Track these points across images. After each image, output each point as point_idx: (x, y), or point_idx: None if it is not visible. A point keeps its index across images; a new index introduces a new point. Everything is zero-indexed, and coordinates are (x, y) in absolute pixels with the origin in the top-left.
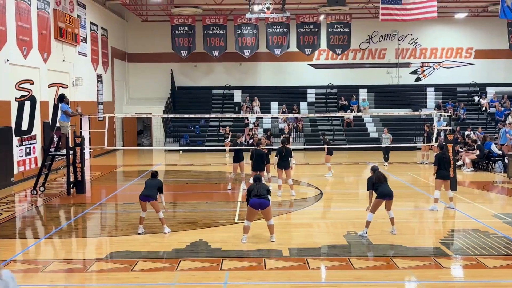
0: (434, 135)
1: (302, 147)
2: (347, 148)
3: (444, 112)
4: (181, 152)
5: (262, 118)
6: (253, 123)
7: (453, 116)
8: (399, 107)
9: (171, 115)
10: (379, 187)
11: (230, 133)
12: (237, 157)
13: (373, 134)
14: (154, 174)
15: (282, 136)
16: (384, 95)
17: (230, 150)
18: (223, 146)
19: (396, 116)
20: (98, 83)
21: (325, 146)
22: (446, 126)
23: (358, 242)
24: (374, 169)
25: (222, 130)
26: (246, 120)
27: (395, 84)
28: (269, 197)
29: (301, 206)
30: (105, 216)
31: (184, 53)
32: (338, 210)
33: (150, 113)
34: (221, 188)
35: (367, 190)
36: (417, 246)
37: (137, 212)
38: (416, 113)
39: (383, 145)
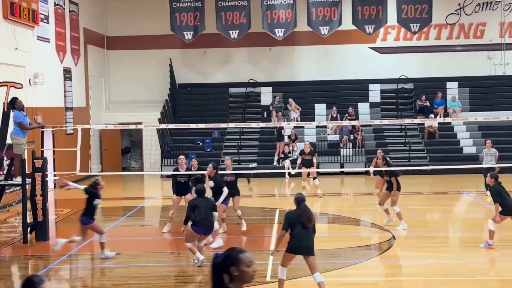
0: None
1: (363, 169)
2: (429, 170)
3: None
4: None
5: (303, 127)
6: (288, 136)
7: None
8: (507, 109)
9: (170, 125)
10: (293, 231)
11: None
12: None
13: (469, 149)
14: (202, 191)
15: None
16: (484, 92)
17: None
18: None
19: (503, 123)
20: (66, 81)
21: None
22: None
23: None
24: (299, 201)
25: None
26: (281, 130)
27: (500, 75)
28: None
29: (361, 257)
30: (77, 273)
31: (188, 35)
32: (419, 263)
33: (141, 123)
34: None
35: (282, 230)
36: None
37: (124, 267)
38: None
39: (484, 166)
